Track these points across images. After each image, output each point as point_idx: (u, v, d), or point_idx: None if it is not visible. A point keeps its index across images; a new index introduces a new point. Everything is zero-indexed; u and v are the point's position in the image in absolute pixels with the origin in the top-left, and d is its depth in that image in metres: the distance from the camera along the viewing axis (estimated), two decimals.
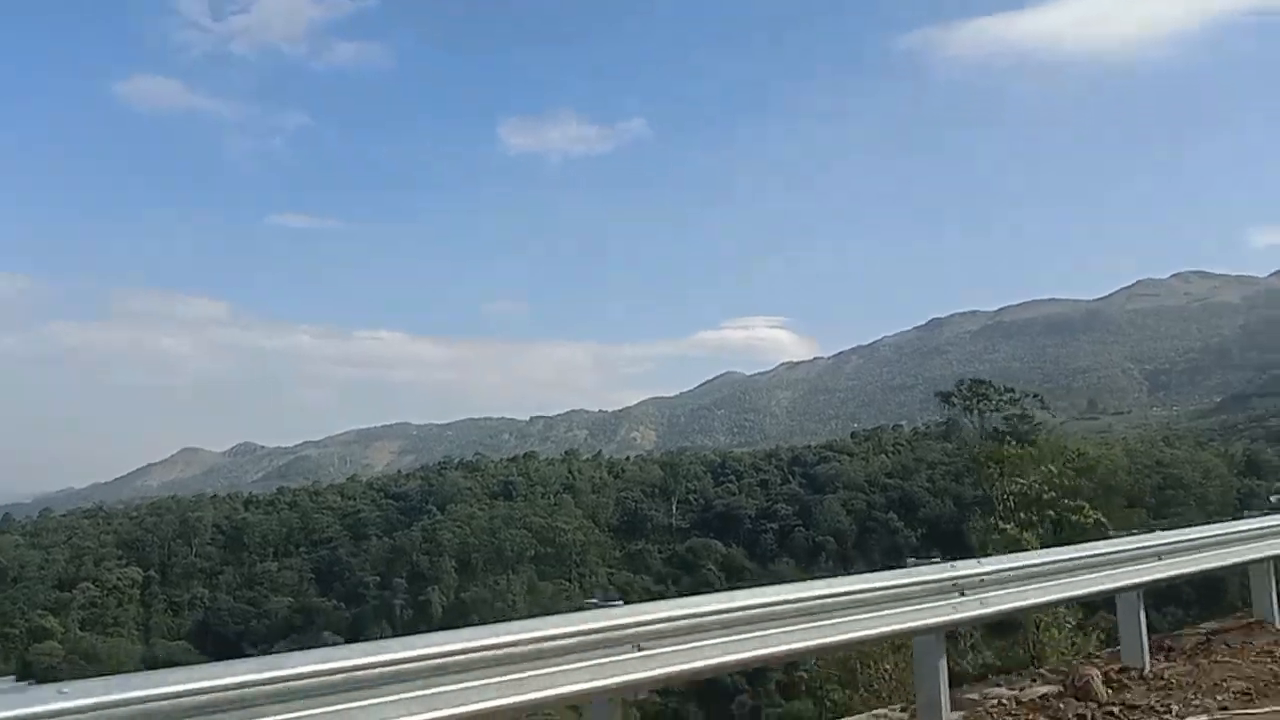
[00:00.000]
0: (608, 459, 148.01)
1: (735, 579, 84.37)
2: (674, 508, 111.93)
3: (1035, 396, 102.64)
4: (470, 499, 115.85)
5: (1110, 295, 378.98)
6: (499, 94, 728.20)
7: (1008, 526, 16.18)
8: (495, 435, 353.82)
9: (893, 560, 7.81)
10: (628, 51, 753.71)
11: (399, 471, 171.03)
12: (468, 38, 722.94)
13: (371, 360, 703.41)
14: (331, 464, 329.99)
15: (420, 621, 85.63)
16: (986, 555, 7.67)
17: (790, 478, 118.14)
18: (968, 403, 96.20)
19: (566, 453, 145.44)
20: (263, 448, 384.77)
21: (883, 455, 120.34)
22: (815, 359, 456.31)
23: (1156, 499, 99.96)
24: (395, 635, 4.32)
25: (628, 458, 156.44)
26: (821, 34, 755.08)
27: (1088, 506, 17.39)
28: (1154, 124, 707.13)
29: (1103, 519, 16.81)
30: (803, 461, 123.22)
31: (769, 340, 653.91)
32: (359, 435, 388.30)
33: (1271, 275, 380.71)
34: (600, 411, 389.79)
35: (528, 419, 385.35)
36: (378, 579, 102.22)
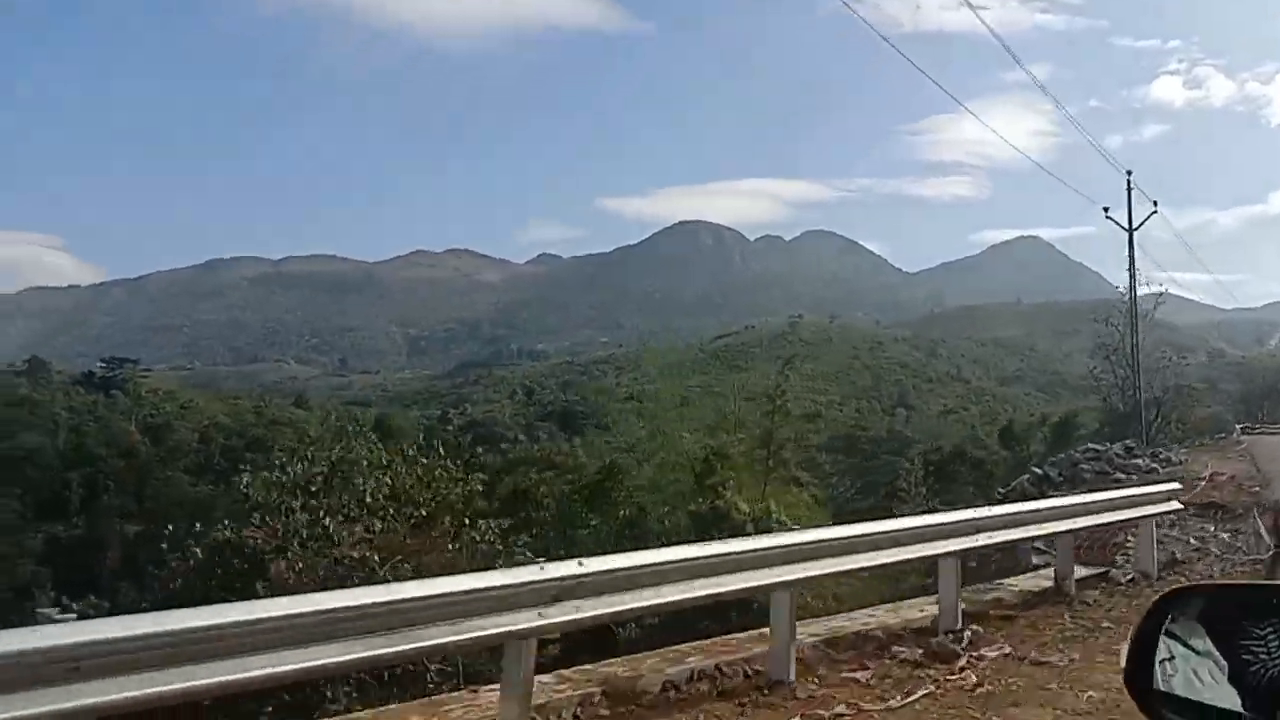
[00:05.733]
0: None
1: None
2: None
3: None
4: None
5: (388, 260, 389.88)
6: None
7: None
8: None
9: None
10: None
11: None
12: None
13: None
14: None
15: None
16: None
17: None
18: None
19: None
20: None
21: None
22: (71, 287, 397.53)
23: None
24: None
25: None
26: None
27: None
28: (462, 109, 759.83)
29: None
30: None
31: (25, 260, 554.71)
32: None
33: (527, 263, 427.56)
34: None
35: None
36: None
